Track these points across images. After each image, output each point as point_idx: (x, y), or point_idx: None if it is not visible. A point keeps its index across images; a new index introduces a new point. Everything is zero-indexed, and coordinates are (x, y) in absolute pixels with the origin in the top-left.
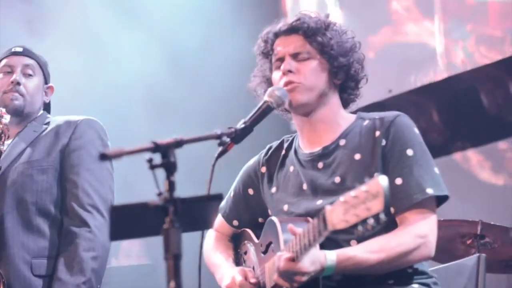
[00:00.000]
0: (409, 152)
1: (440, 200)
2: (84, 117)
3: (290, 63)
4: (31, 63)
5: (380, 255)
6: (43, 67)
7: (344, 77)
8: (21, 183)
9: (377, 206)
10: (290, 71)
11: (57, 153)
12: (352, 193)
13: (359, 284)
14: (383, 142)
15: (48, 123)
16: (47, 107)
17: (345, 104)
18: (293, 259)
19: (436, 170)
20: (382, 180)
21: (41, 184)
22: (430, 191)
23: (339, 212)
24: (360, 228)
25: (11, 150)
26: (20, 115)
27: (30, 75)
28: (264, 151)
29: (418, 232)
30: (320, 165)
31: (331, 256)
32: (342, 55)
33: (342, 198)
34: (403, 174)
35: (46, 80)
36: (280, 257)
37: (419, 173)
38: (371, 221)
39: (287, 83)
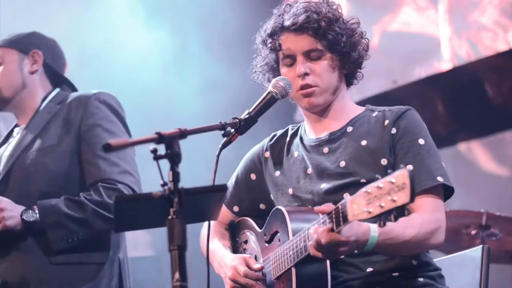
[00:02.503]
0: (421, 141)
1: (446, 195)
2: (95, 91)
3: (305, 65)
4: None
5: (412, 231)
6: (12, 45)
7: (353, 68)
8: (34, 172)
9: (403, 198)
10: (306, 74)
11: (71, 136)
12: (376, 184)
13: (366, 276)
14: (393, 131)
15: (62, 102)
16: (64, 80)
17: (348, 84)
18: (332, 230)
19: (444, 164)
20: (408, 172)
21: (55, 172)
22: (440, 179)
23: (361, 203)
24: (382, 219)
25: (25, 135)
26: (6, 103)
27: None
28: (269, 137)
29: (437, 216)
30: (326, 150)
31: (374, 228)
32: (352, 49)
33: (365, 188)
34: (414, 161)
35: (25, 51)
36: (318, 230)
37: (429, 162)
38: (393, 213)
39: (304, 86)
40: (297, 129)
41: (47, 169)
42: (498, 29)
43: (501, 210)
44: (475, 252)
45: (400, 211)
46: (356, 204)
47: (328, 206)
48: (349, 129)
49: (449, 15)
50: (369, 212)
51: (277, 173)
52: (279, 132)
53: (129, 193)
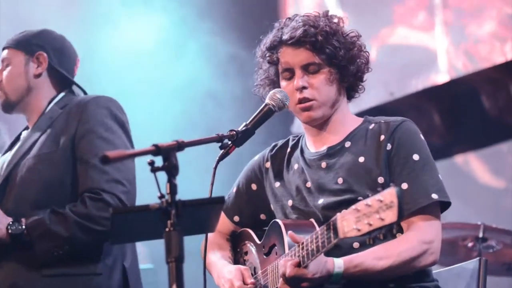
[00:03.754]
0: (415, 157)
1: (443, 207)
2: (94, 96)
3: (302, 78)
4: (5, 55)
5: (387, 261)
6: (19, 46)
7: (352, 81)
8: (28, 180)
9: (391, 217)
10: (304, 87)
11: (68, 143)
12: (365, 201)
13: (362, 287)
14: (388, 147)
15: (65, 106)
16: (67, 82)
17: (349, 98)
18: (299, 265)
19: (440, 176)
20: (397, 191)
21: (49, 180)
22: (435, 196)
23: (350, 220)
24: (371, 236)
25: (24, 142)
26: (12, 107)
27: (7, 65)
28: (270, 147)
29: (424, 238)
30: (324, 164)
31: (339, 264)
32: (350, 62)
33: (354, 206)
34: (408, 179)
35: (31, 53)
36: (286, 263)
37: (424, 179)
38: (383, 231)
39: (301, 100)
40: (298, 140)
41: (42, 177)
42: (495, 41)
43: (498, 222)
44: (473, 264)
45: (389, 228)
46: (346, 221)
47: (300, 238)
48: (347, 144)
49: (446, 27)
50: (358, 230)
51: (277, 184)
52: (280, 143)
53: (115, 204)
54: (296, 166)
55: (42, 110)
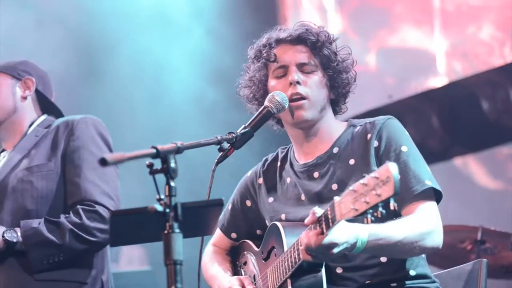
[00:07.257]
0: (404, 148)
1: (436, 199)
2: (82, 116)
3: (297, 74)
4: None
5: (405, 231)
6: (7, 70)
7: (340, 93)
8: (21, 190)
9: (387, 191)
10: (298, 82)
11: (58, 157)
12: (362, 181)
13: (362, 286)
14: (375, 144)
15: (49, 126)
16: (52, 107)
17: (334, 112)
18: (321, 233)
19: (428, 168)
20: (391, 166)
21: (42, 191)
22: (428, 182)
23: (348, 202)
24: (369, 216)
25: (12, 157)
26: None
27: None
28: (261, 163)
29: (428, 219)
30: (316, 174)
31: (363, 230)
32: (344, 71)
33: (351, 187)
34: (400, 168)
35: (17, 78)
36: (308, 234)
37: (415, 167)
38: (380, 208)
39: (293, 95)
40: (287, 152)
41: (34, 187)
42: (494, 43)
43: (496, 225)
44: (473, 266)
45: (387, 207)
46: (344, 204)
47: (314, 215)
48: (335, 150)
49: (445, 30)
50: (356, 210)
51: (271, 199)
52: (270, 157)
53: (107, 216)
54: (288, 180)
55: (24, 131)
